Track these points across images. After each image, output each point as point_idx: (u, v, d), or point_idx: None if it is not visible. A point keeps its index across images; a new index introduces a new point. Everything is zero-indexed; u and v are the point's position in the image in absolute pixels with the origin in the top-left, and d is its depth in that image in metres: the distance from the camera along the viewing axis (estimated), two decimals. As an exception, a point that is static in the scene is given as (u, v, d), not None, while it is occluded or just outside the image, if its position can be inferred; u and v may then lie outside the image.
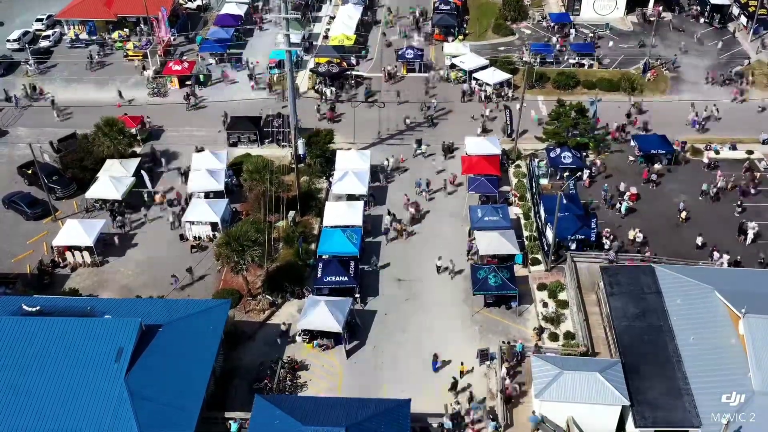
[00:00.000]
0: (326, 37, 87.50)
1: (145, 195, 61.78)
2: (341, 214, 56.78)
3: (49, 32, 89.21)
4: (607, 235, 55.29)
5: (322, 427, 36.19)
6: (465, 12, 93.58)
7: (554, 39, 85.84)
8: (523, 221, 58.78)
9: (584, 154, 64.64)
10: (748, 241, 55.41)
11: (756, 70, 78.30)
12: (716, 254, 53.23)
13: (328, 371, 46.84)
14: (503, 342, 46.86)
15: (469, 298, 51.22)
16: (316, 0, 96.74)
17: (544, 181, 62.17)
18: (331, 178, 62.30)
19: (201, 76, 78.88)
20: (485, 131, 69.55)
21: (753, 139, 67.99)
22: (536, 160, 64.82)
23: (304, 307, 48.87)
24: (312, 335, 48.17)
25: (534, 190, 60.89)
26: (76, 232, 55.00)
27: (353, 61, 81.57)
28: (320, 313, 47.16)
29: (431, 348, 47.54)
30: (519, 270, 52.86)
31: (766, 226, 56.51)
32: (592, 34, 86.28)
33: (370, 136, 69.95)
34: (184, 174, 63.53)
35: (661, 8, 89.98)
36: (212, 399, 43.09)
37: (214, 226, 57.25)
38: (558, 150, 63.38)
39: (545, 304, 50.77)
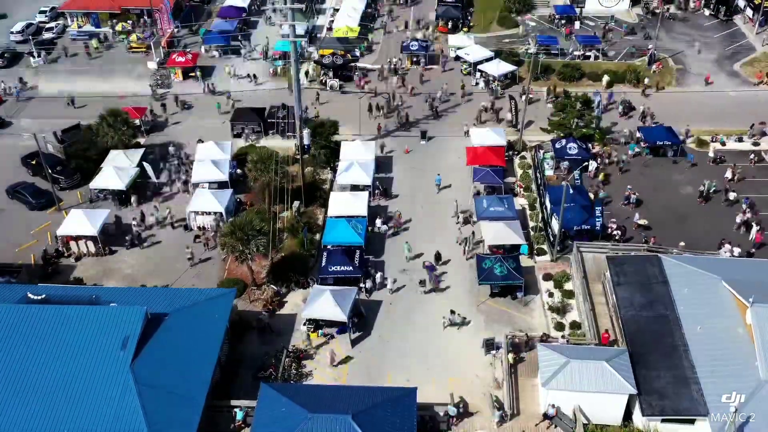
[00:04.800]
0: (330, 29, 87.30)
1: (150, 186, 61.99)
2: (346, 204, 56.64)
3: (53, 24, 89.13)
4: (614, 226, 55.17)
5: (328, 414, 36.05)
6: (470, 4, 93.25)
7: (560, 29, 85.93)
8: (528, 212, 58.67)
9: (590, 145, 64.32)
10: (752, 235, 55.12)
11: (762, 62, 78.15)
12: (727, 246, 52.67)
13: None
14: (509, 332, 46.78)
15: (475, 288, 51.02)
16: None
17: (549, 172, 61.98)
18: (335, 167, 62.20)
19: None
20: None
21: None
22: (541, 151, 64.64)
23: (309, 296, 48.79)
24: (317, 324, 48.05)
25: (540, 181, 60.71)
26: (80, 221, 54.92)
27: (357, 53, 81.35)
28: (325, 302, 47.04)
29: (435, 338, 47.47)
30: (524, 261, 52.65)
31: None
32: (604, 26, 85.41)
33: (376, 128, 69.67)
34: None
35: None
36: (217, 387, 42.94)
37: (218, 216, 57.12)
38: (563, 141, 63.12)
39: (551, 294, 50.67)
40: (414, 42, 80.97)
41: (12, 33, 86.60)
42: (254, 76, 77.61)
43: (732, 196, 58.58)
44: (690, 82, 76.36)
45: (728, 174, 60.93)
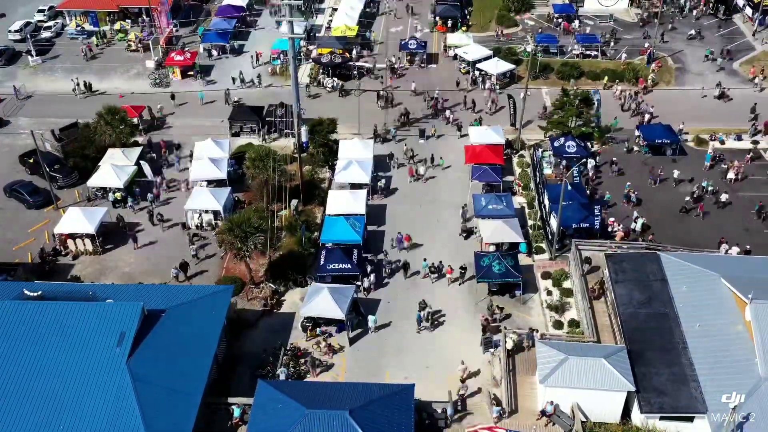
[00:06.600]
0: (329, 28, 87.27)
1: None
2: (344, 202, 56.47)
3: (51, 23, 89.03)
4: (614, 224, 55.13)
5: (325, 410, 35.89)
6: (468, 3, 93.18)
7: (559, 26, 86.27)
8: (527, 211, 58.56)
9: (588, 143, 64.17)
10: None
11: (762, 61, 78.04)
12: (725, 245, 52.40)
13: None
14: (506, 328, 46.63)
15: (473, 286, 50.87)
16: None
17: (548, 171, 61.86)
18: (333, 166, 62.04)
19: (197, 65, 78.83)
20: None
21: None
22: (540, 150, 64.54)
23: (307, 294, 48.63)
24: (315, 322, 47.88)
25: (538, 180, 60.61)
26: (77, 219, 54.78)
27: (354, 52, 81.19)
28: (323, 300, 46.88)
29: (434, 336, 47.39)
30: (523, 259, 52.55)
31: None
32: (607, 34, 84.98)
33: (375, 127, 69.55)
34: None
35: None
36: (215, 385, 42.77)
37: (216, 214, 56.97)
38: (562, 139, 62.98)
39: (549, 293, 50.53)
40: (412, 41, 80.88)
41: (10, 32, 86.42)
42: (258, 77, 77.37)
43: (724, 197, 58.18)
44: (689, 80, 76.15)
45: (731, 175, 60.70)
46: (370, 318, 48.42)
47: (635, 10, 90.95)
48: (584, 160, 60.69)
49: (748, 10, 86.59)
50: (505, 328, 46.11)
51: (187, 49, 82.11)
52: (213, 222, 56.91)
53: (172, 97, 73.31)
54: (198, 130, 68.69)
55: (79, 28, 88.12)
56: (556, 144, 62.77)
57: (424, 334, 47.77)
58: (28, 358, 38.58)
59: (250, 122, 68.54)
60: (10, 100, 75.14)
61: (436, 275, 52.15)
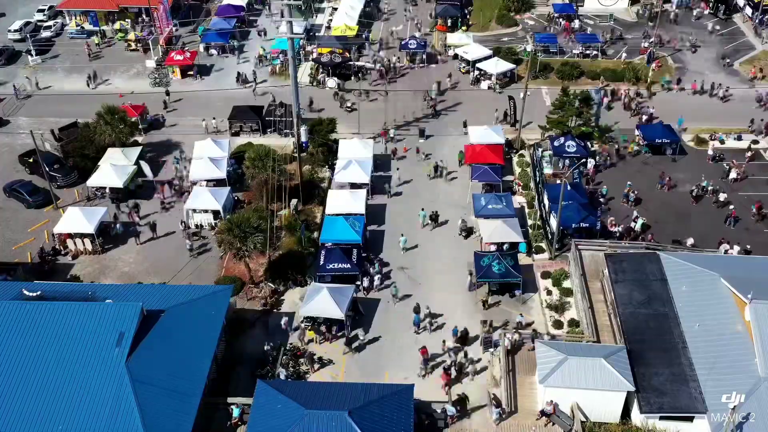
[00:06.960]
0: (329, 27, 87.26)
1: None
2: (344, 202, 56.45)
3: (51, 23, 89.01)
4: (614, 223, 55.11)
5: (324, 411, 35.88)
6: (468, 3, 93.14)
7: (560, 26, 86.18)
8: (526, 210, 58.52)
9: (588, 143, 64.11)
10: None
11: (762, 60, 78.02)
12: (725, 245, 52.42)
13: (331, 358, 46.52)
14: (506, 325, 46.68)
15: (473, 286, 50.83)
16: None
17: (547, 170, 61.82)
18: (333, 166, 62.04)
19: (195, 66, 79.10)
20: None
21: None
22: (540, 149, 64.50)
23: (307, 294, 48.60)
24: (314, 323, 47.86)
25: (538, 179, 60.57)
26: (77, 219, 54.76)
27: (354, 52, 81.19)
28: (323, 300, 46.84)
29: (433, 336, 47.33)
30: (522, 258, 52.52)
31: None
32: (609, 35, 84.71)
33: (375, 126, 69.44)
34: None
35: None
36: (214, 385, 42.77)
37: (216, 214, 56.96)
38: (562, 139, 62.93)
39: (549, 292, 50.50)
40: (412, 40, 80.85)
41: (10, 31, 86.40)
42: (253, 73, 77.66)
43: (722, 197, 58.14)
44: (689, 80, 76.08)
45: (733, 174, 60.63)
46: (402, 239, 52.60)
47: (635, 9, 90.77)
48: (584, 159, 60.60)
49: (748, 10, 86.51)
50: (503, 332, 46.04)
51: (186, 48, 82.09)
52: (212, 222, 56.97)
53: (167, 93, 73.94)
54: (198, 130, 68.71)
55: (78, 28, 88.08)
56: (556, 144, 62.73)
57: (424, 334, 47.72)
58: (27, 358, 38.54)
59: (250, 122, 68.56)
60: (10, 99, 75.14)
61: (435, 223, 56.13)
